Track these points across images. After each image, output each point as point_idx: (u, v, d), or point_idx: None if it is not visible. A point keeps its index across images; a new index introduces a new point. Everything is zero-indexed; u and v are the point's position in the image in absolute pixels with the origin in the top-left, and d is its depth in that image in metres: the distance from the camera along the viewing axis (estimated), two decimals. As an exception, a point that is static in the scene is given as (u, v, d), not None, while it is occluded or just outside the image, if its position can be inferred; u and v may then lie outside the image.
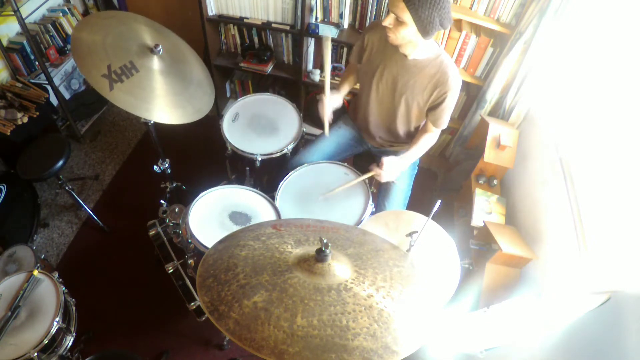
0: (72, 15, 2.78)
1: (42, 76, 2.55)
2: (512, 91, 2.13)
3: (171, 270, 1.69)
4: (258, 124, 2.09)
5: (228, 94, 3.16)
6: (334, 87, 1.96)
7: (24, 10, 2.32)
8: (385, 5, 2.27)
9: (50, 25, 2.61)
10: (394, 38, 1.55)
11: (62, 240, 2.45)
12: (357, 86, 1.97)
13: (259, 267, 0.91)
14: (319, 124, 1.95)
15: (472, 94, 2.43)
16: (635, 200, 1.38)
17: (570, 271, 1.58)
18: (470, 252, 1.91)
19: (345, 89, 1.97)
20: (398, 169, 1.76)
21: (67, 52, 2.74)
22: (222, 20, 2.56)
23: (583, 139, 1.74)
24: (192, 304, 1.71)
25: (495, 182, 2.15)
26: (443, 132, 1.89)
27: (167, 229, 1.77)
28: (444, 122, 1.76)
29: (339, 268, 0.91)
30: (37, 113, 2.35)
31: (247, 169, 2.06)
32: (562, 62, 1.93)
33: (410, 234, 1.39)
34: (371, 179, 1.80)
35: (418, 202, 1.97)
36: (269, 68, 2.68)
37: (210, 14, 2.52)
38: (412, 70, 1.66)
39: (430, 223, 1.43)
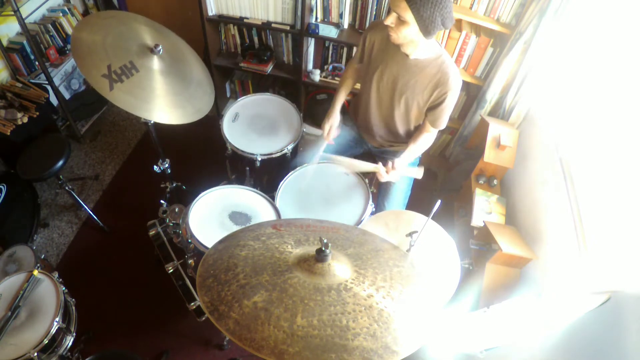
0: (72, 15, 2.78)
1: (42, 76, 2.56)
2: (512, 91, 2.13)
3: (171, 270, 1.69)
4: (258, 124, 2.09)
5: (228, 94, 3.16)
6: (334, 88, 1.96)
7: (24, 10, 2.32)
8: (386, 5, 2.27)
9: (50, 25, 2.61)
10: (396, 37, 1.55)
11: (62, 240, 2.45)
12: (358, 86, 1.97)
13: (259, 267, 0.91)
14: (319, 124, 1.95)
15: (472, 94, 2.43)
16: (635, 200, 1.38)
17: (570, 271, 1.58)
18: (470, 252, 1.91)
19: (342, 96, 1.96)
20: (402, 173, 1.76)
21: (67, 52, 2.74)
22: (222, 20, 2.56)
23: (583, 139, 1.74)
24: (192, 304, 1.72)
25: (495, 182, 2.15)
26: (443, 132, 1.89)
27: (167, 229, 1.77)
28: (443, 122, 1.76)
29: (339, 268, 0.91)
30: (37, 113, 2.35)
31: (247, 169, 2.06)
32: (562, 62, 1.93)
33: (410, 234, 1.39)
34: (371, 179, 1.80)
35: (418, 202, 1.97)
36: (269, 68, 2.68)
37: (210, 14, 2.52)
38: (413, 70, 1.66)
39: (430, 223, 1.42)
